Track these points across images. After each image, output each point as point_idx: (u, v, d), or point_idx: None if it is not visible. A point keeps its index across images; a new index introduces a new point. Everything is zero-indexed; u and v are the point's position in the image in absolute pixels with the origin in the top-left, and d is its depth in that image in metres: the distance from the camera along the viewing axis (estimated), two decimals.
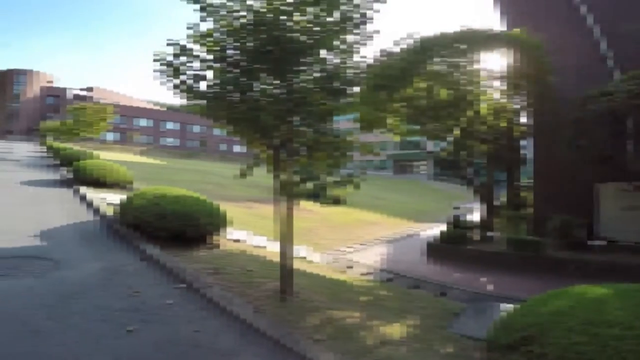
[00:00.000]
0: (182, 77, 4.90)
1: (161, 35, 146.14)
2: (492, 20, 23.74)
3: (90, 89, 59.63)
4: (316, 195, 22.75)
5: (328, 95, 4.76)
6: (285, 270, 5.65)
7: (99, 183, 13.23)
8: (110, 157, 22.70)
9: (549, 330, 3.22)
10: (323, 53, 4.79)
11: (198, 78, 4.90)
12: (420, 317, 6.11)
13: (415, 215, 24.93)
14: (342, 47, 4.74)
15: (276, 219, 5.60)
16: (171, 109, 74.52)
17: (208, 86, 5.08)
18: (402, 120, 15.64)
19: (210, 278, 5.89)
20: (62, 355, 3.36)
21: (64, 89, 61.04)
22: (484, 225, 15.31)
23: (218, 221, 8.01)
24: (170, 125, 61.76)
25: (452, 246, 13.45)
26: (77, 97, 54.50)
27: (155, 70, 4.83)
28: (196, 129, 63.69)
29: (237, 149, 66.05)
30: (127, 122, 56.09)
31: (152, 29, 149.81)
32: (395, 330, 5.17)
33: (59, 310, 4.26)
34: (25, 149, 30.09)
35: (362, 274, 10.77)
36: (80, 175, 13.33)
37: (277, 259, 9.00)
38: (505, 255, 12.13)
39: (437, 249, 13.70)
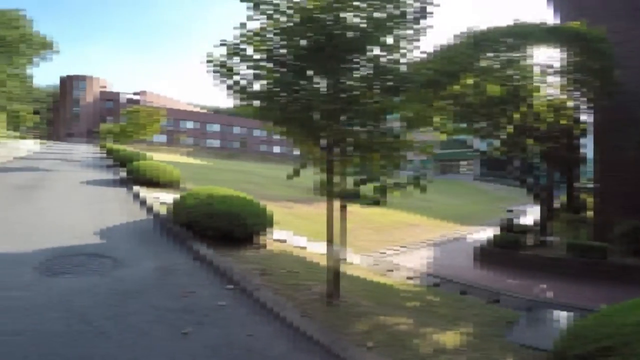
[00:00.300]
0: (236, 78, 4.88)
1: (202, 43, 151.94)
2: (537, 15, 22.26)
3: (142, 93, 63.07)
4: (355, 196, 22.42)
5: (382, 92, 4.54)
6: (332, 274, 5.49)
7: (151, 183, 13.81)
8: (160, 158, 23.79)
9: (634, 342, 2.93)
10: (376, 49, 4.57)
11: (257, 77, 4.84)
12: (474, 325, 5.84)
13: (460, 217, 23.96)
14: (397, 43, 4.49)
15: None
16: (214, 111, 77.12)
17: (260, 86, 5.03)
18: (448, 118, 15.05)
19: (259, 279, 5.87)
20: (120, 359, 3.41)
21: (118, 93, 65.02)
22: (541, 229, 14.37)
23: (264, 221, 8.02)
24: (213, 127, 63.92)
25: (505, 251, 12.79)
26: (129, 101, 57.83)
27: (208, 71, 4.84)
28: (237, 130, 65.44)
29: (276, 149, 67.13)
30: (174, 124, 58.70)
31: (195, 37, 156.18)
32: (450, 338, 4.92)
33: (118, 310, 4.37)
34: (85, 151, 32.33)
35: (407, 278, 10.45)
36: (135, 175, 14.00)
37: (319, 260, 8.99)
38: (565, 261, 11.45)
39: (488, 254, 13.08)
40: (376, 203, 20.14)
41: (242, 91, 4.91)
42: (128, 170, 14.50)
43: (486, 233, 19.74)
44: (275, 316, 4.74)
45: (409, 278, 10.41)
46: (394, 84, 4.44)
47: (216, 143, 62.60)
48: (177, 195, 12.58)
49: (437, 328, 5.23)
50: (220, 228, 7.13)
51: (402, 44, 4.57)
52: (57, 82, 66.07)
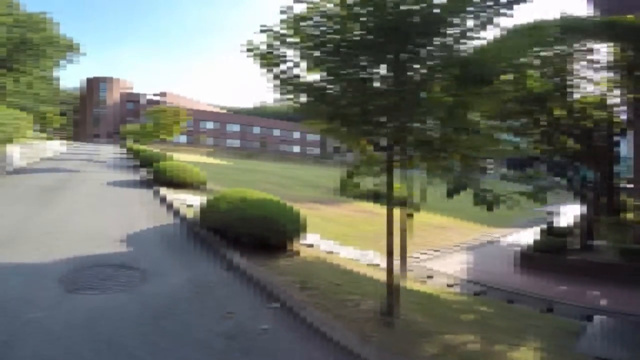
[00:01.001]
0: (282, 67, 4.22)
1: (222, 44, 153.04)
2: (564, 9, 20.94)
3: (162, 94, 63.63)
4: (377, 197, 21.76)
5: (458, 84, 3.79)
6: (391, 290, 4.77)
7: (176, 184, 13.37)
8: (181, 158, 23.51)
9: None
10: (450, 34, 3.80)
11: (305, 67, 4.15)
12: (540, 338, 5.45)
13: (490, 219, 22.76)
14: (480, 27, 3.71)
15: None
16: (234, 111, 77.29)
17: (308, 77, 4.35)
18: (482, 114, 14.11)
19: (301, 294, 5.22)
20: None
21: (139, 95, 65.78)
22: (587, 231, 13.32)
23: (299, 227, 7.38)
24: (233, 127, 63.89)
25: (550, 256, 11.86)
26: (150, 102, 58.37)
27: (253, 56, 4.18)
28: (256, 130, 65.27)
29: (296, 149, 66.66)
30: (194, 124, 58.94)
31: (215, 38, 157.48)
32: (524, 355, 4.43)
33: (151, 334, 3.78)
34: (109, 151, 32.49)
35: (448, 285, 9.69)
36: (159, 176, 13.59)
37: (357, 268, 8.36)
38: (616, 267, 10.61)
39: (529, 258, 12.17)
40: (402, 204, 18.84)
41: (287, 82, 4.24)
42: (153, 171, 14.11)
43: (520, 236, 18.68)
44: (328, 340, 4.06)
45: (449, 285, 9.69)
46: (476, 74, 3.66)
47: (236, 143, 62.54)
48: (204, 198, 12.12)
49: (505, 344, 4.78)
50: (256, 234, 6.51)
51: (481, 30, 3.79)
52: (84, 84, 67.27)
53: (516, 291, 9.36)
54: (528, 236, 18.90)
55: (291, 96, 4.43)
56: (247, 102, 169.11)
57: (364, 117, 4.15)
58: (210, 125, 62.06)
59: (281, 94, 4.40)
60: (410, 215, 5.27)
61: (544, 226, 14.46)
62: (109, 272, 5.39)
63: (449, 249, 14.32)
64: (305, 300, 5.00)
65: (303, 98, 4.43)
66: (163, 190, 12.47)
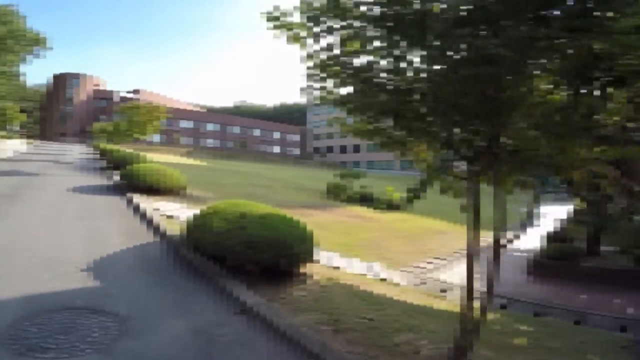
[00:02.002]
0: (323, 43, 2.93)
1: (198, 42, 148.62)
2: None
3: (137, 92, 60.34)
4: (366, 200, 20.77)
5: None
6: (467, 331, 3.59)
7: (153, 189, 11.74)
8: (157, 159, 21.60)
9: None
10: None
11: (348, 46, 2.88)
12: (599, 356, 5.17)
13: (482, 222, 22.19)
14: None
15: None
16: (211, 110, 74.69)
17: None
18: None
19: (338, 342, 3.96)
20: None
21: (112, 92, 62.13)
22: (594, 237, 12.79)
23: (310, 247, 6.11)
24: (210, 127, 61.45)
25: (562, 263, 11.36)
26: (124, 100, 55.13)
27: (279, 27, 2.89)
28: (235, 129, 63.13)
29: (276, 149, 65.02)
30: (171, 124, 56.20)
31: (192, 36, 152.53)
32: None
33: None
34: (77, 151, 29.89)
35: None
36: (132, 181, 11.90)
37: (377, 287, 7.13)
38: (632, 273, 10.42)
39: (542, 266, 11.69)
40: (391, 207, 17.88)
41: (331, 64, 2.96)
42: (125, 175, 12.39)
43: (521, 240, 18.14)
44: None
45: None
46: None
47: (214, 143, 60.19)
48: (185, 206, 10.66)
49: None
50: (263, 261, 5.19)
51: None
52: (52, 80, 62.85)
53: (539, 302, 8.84)
54: (526, 240, 18.50)
55: (329, 84, 3.17)
56: (226, 101, 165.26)
57: (450, 113, 2.93)
58: (187, 124, 59.40)
59: (319, 79, 3.13)
60: (497, 245, 4.14)
61: (543, 231, 13.78)
62: (72, 319, 3.93)
63: (452, 256, 13.45)
64: (350, 353, 3.73)
65: (343, 88, 3.17)
66: (138, 198, 10.85)
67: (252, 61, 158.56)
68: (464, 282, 10.50)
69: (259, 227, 5.42)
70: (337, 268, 8.40)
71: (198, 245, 5.78)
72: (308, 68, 3.08)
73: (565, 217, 24.10)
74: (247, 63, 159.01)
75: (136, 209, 9.78)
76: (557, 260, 11.55)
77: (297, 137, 68.29)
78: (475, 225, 3.59)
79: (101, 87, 63.71)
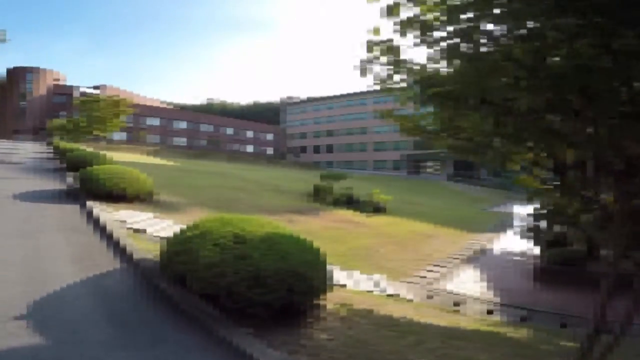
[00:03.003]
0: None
1: (162, 38, 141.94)
2: None
3: (101, 87, 55.89)
4: (352, 203, 19.51)
5: None
6: None
7: (114, 195, 9.80)
8: (121, 159, 19.26)
9: None
10: None
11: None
12: None
13: (462, 223, 21.52)
14: None
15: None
16: (180, 107, 70.98)
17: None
18: None
19: None
20: None
21: (72, 87, 57.29)
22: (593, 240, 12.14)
23: (325, 274, 4.66)
24: (180, 125, 58.06)
25: (568, 268, 10.89)
26: (85, 96, 50.77)
27: None
28: (206, 128, 60.12)
29: (249, 149, 62.63)
30: (137, 121, 52.47)
31: (156, 33, 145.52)
32: None
33: None
34: (31, 150, 26.59)
35: (488, 313, 7.96)
36: (91, 185, 9.89)
37: (402, 311, 5.90)
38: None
39: (548, 272, 11.19)
40: (377, 210, 16.54)
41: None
42: (81, 179, 10.32)
43: (505, 242, 17.46)
44: None
45: (489, 312, 8.00)
46: None
47: (183, 141, 56.85)
48: (159, 218, 8.79)
49: None
50: (275, 302, 3.65)
51: None
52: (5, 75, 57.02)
53: (559, 312, 8.29)
54: (511, 241, 17.89)
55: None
56: (197, 98, 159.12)
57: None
58: (155, 121, 55.75)
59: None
60: None
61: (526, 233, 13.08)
62: None
63: (450, 262, 12.50)
64: None
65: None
66: (97, 207, 8.91)
67: (224, 59, 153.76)
68: (470, 291, 9.64)
69: (263, 254, 3.87)
70: (344, 286, 7.39)
71: (181, 278, 4.13)
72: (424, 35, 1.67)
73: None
74: (218, 61, 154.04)
75: (95, 221, 7.87)
76: (562, 265, 10.92)
77: (271, 137, 66.13)
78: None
79: (62, 82, 58.68)
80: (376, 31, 2.18)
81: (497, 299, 9.20)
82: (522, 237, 17.54)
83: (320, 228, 13.37)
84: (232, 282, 3.65)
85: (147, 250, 6.04)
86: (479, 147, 2.75)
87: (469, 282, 10.62)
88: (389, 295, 7.83)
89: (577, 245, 12.31)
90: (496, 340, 5.40)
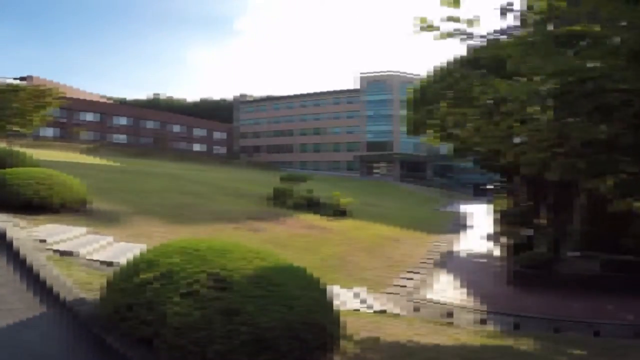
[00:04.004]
0: None
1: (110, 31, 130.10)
2: None
3: (27, 79, 49.00)
4: (312, 206, 18.37)
5: None
6: None
7: (34, 206, 7.70)
8: (47, 157, 16.34)
9: None
10: None
11: None
12: None
13: (420, 224, 21.40)
14: None
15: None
16: (120, 102, 64.98)
17: None
18: None
19: None
20: None
21: None
22: (560, 242, 12.33)
23: (336, 315, 3.50)
24: (121, 121, 52.85)
25: (540, 271, 10.77)
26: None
27: None
28: (151, 124, 55.46)
29: (197, 147, 58.92)
30: (70, 116, 46.78)
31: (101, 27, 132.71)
32: None
33: None
34: None
35: (481, 322, 7.63)
36: (2, 194, 7.67)
37: (397, 330, 5.45)
38: (606, 278, 10.39)
39: (522, 276, 10.86)
40: (341, 213, 15.40)
41: None
42: None
43: (468, 243, 17.41)
44: None
45: (482, 322, 7.62)
46: None
47: (124, 138, 51.75)
48: (94, 233, 6.84)
49: None
50: None
51: None
52: None
53: (546, 316, 8.24)
54: (471, 243, 17.93)
55: None
56: (140, 93, 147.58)
57: None
58: (91, 117, 50.17)
59: None
60: None
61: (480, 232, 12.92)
62: None
63: (421, 267, 12.09)
64: None
65: None
66: (8, 221, 6.83)
67: (172, 55, 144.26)
68: (451, 298, 9.20)
69: (261, 306, 2.57)
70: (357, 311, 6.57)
71: (141, 340, 2.65)
72: None
73: (493, 217, 24.66)
74: (167, 56, 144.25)
75: (9, 244, 5.87)
76: (533, 269, 10.84)
77: (223, 135, 62.75)
78: None
79: None
80: None
81: (483, 307, 8.87)
82: (489, 239, 17.77)
83: (287, 236, 12.08)
84: (224, 351, 2.31)
85: (83, 284, 4.38)
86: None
87: (448, 290, 10.21)
88: (378, 312, 7.18)
89: (540, 248, 12.36)
90: (510, 354, 5.04)
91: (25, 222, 7.09)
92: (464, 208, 31.68)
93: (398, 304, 8.26)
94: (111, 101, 62.26)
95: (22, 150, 12.05)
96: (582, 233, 12.59)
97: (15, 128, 16.06)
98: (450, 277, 11.45)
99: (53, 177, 8.43)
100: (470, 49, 8.63)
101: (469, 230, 21.59)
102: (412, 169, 57.71)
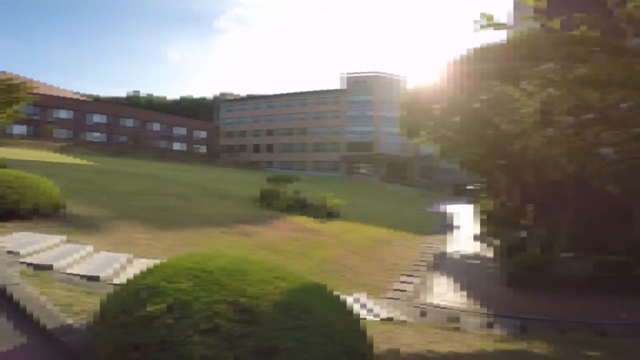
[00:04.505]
0: None
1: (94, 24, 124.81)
2: None
3: None
4: (301, 207, 17.75)
5: None
6: None
7: (1, 212, 6.83)
8: (16, 156, 15.11)
9: None
10: None
11: None
12: None
13: (409, 225, 21.18)
14: None
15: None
16: (95, 99, 62.25)
17: None
18: None
19: None
20: None
21: None
22: (552, 243, 12.29)
23: (365, 334, 3.00)
24: (97, 118, 50.49)
25: (537, 273, 10.72)
26: None
27: None
28: (129, 122, 53.32)
29: (177, 146, 57.15)
30: (43, 113, 44.30)
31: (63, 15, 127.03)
32: None
33: None
34: None
35: (488, 326, 7.49)
36: None
37: (410, 340, 5.10)
38: (599, 279, 10.43)
39: (519, 277, 10.79)
40: (331, 215, 15.01)
41: None
42: None
43: (457, 244, 17.27)
44: None
45: (489, 326, 7.49)
46: None
47: (100, 137, 49.47)
48: (70, 242, 6.09)
49: None
50: None
51: None
52: None
53: (549, 318, 8.17)
54: (460, 243, 17.82)
55: None
56: (118, 91, 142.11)
57: None
58: (65, 114, 47.69)
59: None
60: None
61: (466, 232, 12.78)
62: None
63: (416, 269, 11.90)
64: None
65: None
66: None
67: (152, 52, 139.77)
68: (452, 302, 9.27)
69: (299, 339, 2.05)
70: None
71: None
72: None
73: (478, 218, 24.74)
74: (143, 52, 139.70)
75: None
76: (530, 270, 10.76)
77: (204, 134, 61.04)
78: None
79: None
80: None
81: (485, 310, 8.73)
82: (476, 240, 17.71)
83: (280, 240, 11.49)
84: None
85: (65, 306, 3.71)
86: None
87: (448, 293, 10.00)
88: (385, 320, 6.92)
89: (533, 249, 12.27)
90: (528, 359, 5.03)
91: None
92: (447, 208, 31.85)
93: (402, 310, 8.03)
94: (88, 99, 59.55)
95: None
96: (571, 234, 12.62)
97: None
98: (447, 280, 11.24)
99: (23, 180, 7.54)
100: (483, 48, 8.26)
101: (455, 231, 21.53)
102: (396, 170, 57.94)
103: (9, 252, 5.29)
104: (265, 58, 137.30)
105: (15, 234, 6.29)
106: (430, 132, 12.19)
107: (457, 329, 6.93)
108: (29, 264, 5.03)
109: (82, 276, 5.03)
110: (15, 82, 15.39)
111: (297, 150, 61.42)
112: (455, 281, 11.08)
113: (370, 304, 7.80)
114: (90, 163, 26.07)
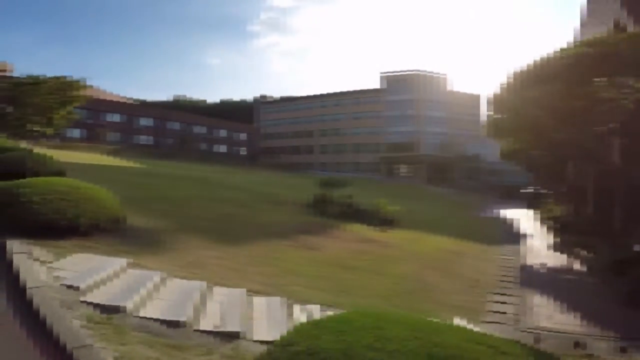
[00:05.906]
0: None
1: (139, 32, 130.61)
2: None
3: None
4: (360, 215, 16.07)
5: None
6: None
7: (57, 228, 5.87)
8: (70, 159, 14.64)
9: None
10: None
11: None
12: None
13: (470, 233, 19.03)
14: None
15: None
16: (144, 104, 64.18)
17: None
18: None
19: None
20: None
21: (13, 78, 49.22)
22: None
23: None
24: (144, 122, 51.73)
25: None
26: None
27: None
28: (175, 126, 54.23)
29: (218, 148, 57.52)
30: (96, 117, 45.86)
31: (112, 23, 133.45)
32: None
33: None
34: None
35: (619, 351, 6.26)
36: (16, 213, 5.84)
37: None
38: None
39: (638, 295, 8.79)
40: (388, 223, 12.55)
41: None
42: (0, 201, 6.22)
43: (535, 255, 15.04)
44: None
45: (622, 350, 6.33)
46: None
47: (148, 140, 50.64)
48: (140, 268, 4.99)
49: None
50: None
51: None
52: None
53: None
54: (538, 254, 15.57)
55: None
56: (163, 95, 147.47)
57: None
58: (115, 118, 49.19)
59: None
60: None
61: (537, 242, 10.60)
62: None
63: (503, 286, 10.48)
64: None
65: None
66: (23, 253, 4.96)
67: (192, 56, 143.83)
68: (571, 327, 7.52)
69: None
70: None
71: None
72: None
73: (547, 225, 22.01)
74: (186, 58, 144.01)
75: (21, 292, 3.99)
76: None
77: (244, 136, 61.18)
78: None
79: (7, 74, 50.37)
80: None
81: (609, 333, 7.36)
82: (562, 252, 15.38)
83: (347, 254, 10.07)
84: None
85: None
86: None
87: (556, 314, 8.37)
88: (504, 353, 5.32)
89: None
90: None
91: (45, 251, 5.26)
92: (503, 213, 29.12)
93: (512, 337, 6.45)
94: (136, 102, 61.42)
95: (42, 151, 10.35)
96: None
97: (36, 127, 14.10)
98: (547, 299, 9.50)
99: (80, 191, 6.60)
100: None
101: (525, 240, 19.10)
102: (437, 171, 54.88)
103: (69, 287, 4.19)
104: (301, 60, 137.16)
105: (71, 257, 5.27)
106: (517, 132, 10.41)
107: (590, 355, 5.84)
108: (95, 306, 3.88)
109: (159, 321, 3.81)
110: (67, 81, 14.95)
111: (336, 151, 60.01)
112: (555, 300, 9.37)
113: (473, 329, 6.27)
114: (142, 166, 26.00)
